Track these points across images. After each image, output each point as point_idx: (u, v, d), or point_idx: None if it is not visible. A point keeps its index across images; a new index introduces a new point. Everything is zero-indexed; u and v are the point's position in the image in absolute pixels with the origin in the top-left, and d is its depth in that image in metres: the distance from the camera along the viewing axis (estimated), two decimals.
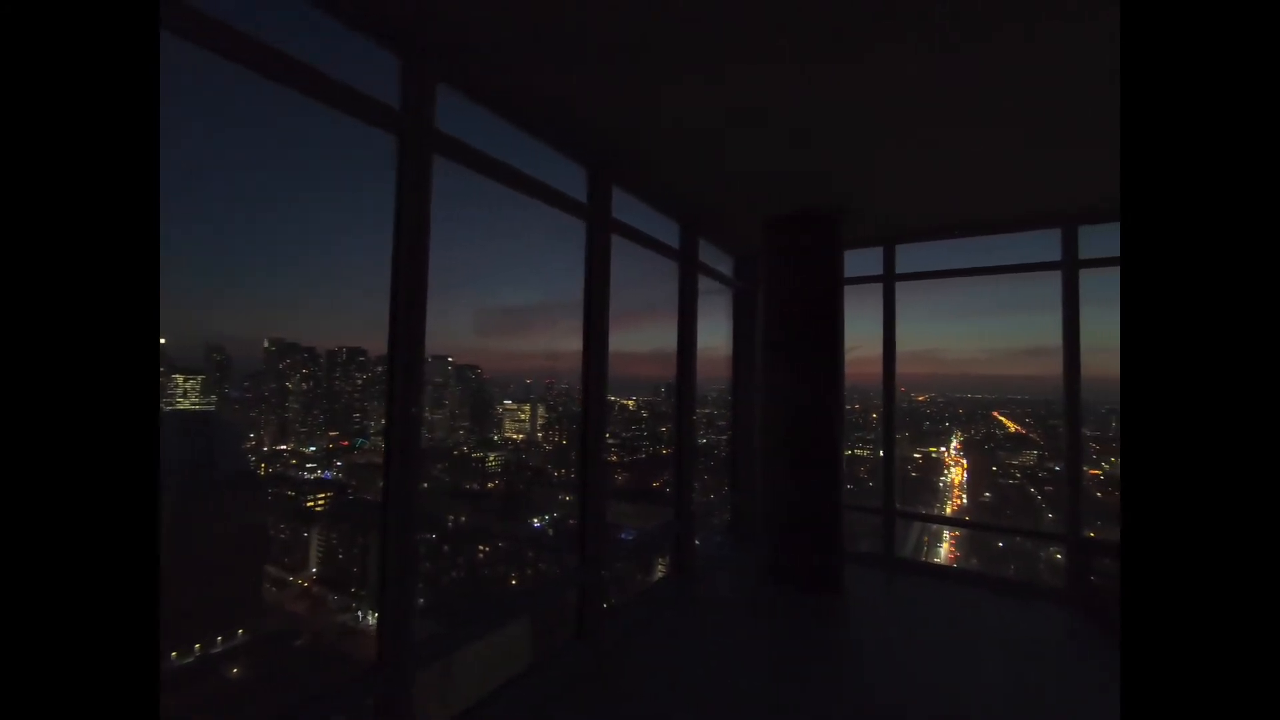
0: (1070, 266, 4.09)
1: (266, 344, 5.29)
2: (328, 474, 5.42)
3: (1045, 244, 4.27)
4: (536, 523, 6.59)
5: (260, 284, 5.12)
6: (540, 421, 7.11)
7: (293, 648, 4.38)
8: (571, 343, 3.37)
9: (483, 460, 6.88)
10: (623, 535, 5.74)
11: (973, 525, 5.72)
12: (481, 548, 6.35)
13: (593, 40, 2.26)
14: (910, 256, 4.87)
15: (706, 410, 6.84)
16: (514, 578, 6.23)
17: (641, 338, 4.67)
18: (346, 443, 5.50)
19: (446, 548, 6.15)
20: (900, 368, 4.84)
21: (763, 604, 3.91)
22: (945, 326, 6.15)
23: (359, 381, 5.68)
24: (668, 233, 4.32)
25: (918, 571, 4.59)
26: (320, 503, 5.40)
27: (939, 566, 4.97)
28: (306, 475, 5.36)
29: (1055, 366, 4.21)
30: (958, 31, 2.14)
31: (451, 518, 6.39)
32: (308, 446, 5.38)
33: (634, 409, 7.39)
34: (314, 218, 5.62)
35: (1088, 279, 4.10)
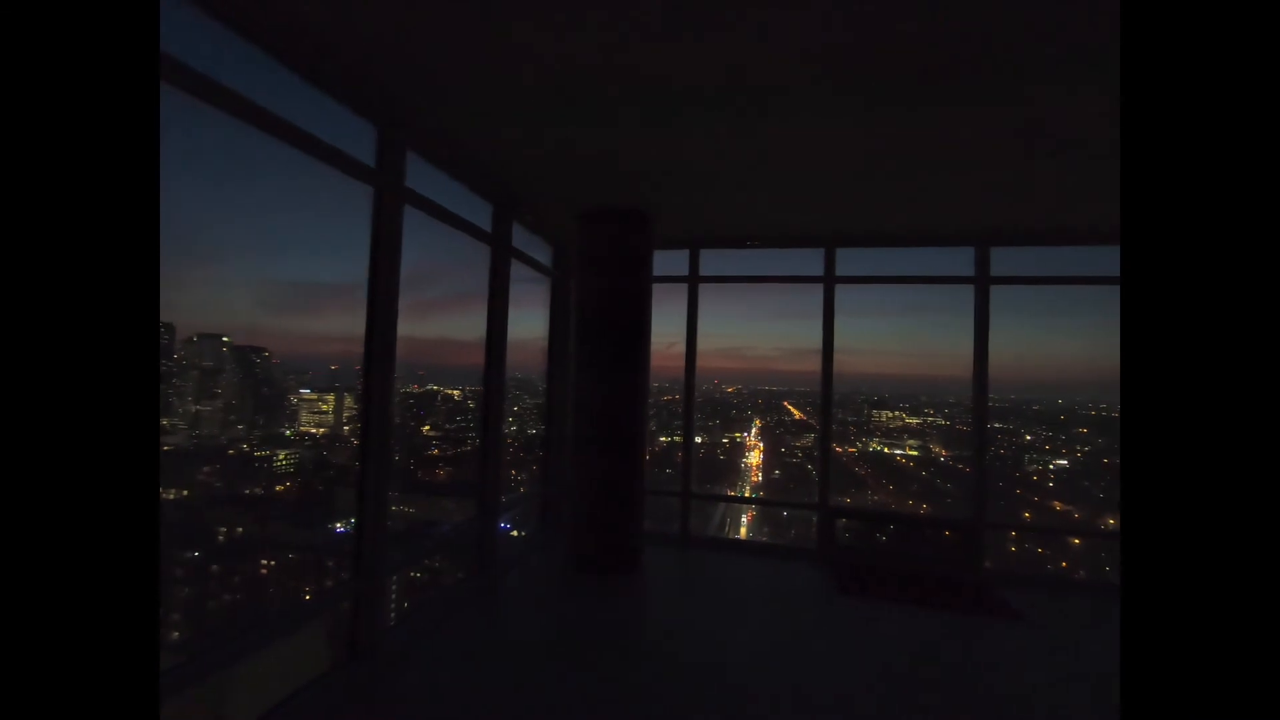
0: (829, 281, 4.91)
1: None
2: None
3: (816, 260, 5.06)
4: (340, 527, 5.83)
5: None
6: (347, 414, 6.32)
7: None
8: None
9: (269, 459, 5.86)
10: (443, 530, 5.37)
11: (754, 501, 6.53)
12: (266, 561, 5.38)
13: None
14: (718, 261, 5.38)
15: (538, 401, 6.75)
16: (308, 592, 5.41)
17: (468, 324, 4.42)
18: None
19: (216, 567, 5.10)
20: (714, 362, 5.33)
21: (563, 592, 3.98)
22: (750, 327, 6.96)
23: None
24: (482, 215, 4.13)
25: (711, 546, 5.11)
26: None
27: (729, 540, 5.59)
28: None
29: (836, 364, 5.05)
30: (737, 107, 2.48)
31: (224, 530, 5.32)
32: None
33: (459, 399, 6.99)
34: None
35: (842, 292, 4.97)
